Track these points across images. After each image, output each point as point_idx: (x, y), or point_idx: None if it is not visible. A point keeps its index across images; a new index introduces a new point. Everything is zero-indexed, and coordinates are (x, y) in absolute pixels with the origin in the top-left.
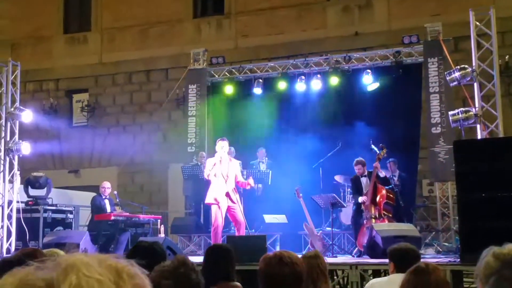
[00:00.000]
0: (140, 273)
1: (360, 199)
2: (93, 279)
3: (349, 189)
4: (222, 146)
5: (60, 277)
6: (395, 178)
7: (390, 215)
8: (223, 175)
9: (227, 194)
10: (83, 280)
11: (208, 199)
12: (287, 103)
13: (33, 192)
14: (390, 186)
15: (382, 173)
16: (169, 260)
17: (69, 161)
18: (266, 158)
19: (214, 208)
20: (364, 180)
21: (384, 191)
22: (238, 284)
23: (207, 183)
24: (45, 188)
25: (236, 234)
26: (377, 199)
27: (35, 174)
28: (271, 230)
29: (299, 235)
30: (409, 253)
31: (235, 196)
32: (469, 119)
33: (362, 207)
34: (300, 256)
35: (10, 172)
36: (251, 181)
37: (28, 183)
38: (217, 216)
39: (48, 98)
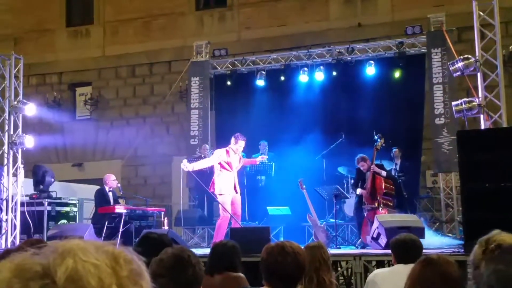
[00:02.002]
0: (137, 259)
1: (358, 191)
2: (90, 263)
3: (352, 180)
4: (242, 146)
5: (57, 261)
6: (397, 167)
7: (391, 205)
8: (232, 167)
9: (234, 186)
10: (80, 264)
11: (218, 190)
12: (290, 95)
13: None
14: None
15: (383, 173)
16: (169, 249)
17: (73, 154)
18: (267, 151)
19: (222, 199)
20: (369, 174)
21: (382, 182)
22: (242, 275)
23: (209, 174)
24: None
25: (232, 225)
26: (376, 190)
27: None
28: (275, 222)
29: (302, 227)
30: (411, 244)
31: (238, 187)
32: (472, 109)
33: (363, 199)
34: (303, 246)
35: (14, 165)
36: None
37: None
38: (227, 208)
39: (52, 92)
